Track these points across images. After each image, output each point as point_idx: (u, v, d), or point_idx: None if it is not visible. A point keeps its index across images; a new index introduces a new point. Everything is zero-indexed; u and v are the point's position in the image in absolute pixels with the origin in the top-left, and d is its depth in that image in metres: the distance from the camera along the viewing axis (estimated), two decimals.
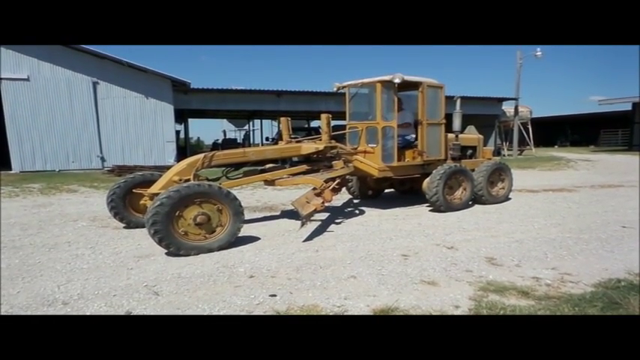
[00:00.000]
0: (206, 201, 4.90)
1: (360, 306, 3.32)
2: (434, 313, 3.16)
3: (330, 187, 6.23)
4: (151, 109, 18.09)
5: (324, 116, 6.98)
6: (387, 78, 6.90)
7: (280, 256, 4.72)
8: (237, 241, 5.13)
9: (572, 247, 5.00)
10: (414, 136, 7.68)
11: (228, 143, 28.05)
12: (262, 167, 6.77)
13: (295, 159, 6.93)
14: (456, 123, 8.09)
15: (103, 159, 17.24)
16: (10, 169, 16.39)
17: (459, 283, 3.85)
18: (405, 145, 7.55)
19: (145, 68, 17.67)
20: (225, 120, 37.37)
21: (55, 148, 16.83)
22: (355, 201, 8.86)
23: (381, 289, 3.70)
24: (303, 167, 6.66)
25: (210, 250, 4.85)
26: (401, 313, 3.17)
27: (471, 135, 9.20)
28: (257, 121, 33.94)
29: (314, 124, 28.89)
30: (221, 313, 3.22)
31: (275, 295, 3.57)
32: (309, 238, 5.54)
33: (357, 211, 7.57)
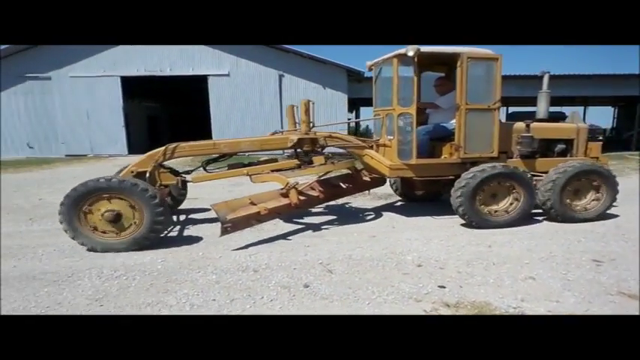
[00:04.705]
0: (115, 197, 4.51)
1: (540, 310, 3.05)
2: None
3: (301, 188, 5.39)
4: (328, 99, 19.27)
5: (303, 102, 5.75)
6: (402, 51, 5.36)
7: (450, 248, 4.60)
8: (400, 229, 5.15)
9: None
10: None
11: None
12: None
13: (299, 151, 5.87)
14: (541, 107, 6.29)
15: None
16: None
17: None
18: (444, 137, 5.90)
19: (324, 60, 18.83)
20: None
21: (248, 134, 19.27)
22: (400, 203, 7.40)
23: (566, 296, 3.31)
24: (292, 162, 5.72)
25: (126, 249, 4.55)
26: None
27: (559, 124, 6.65)
28: None
29: None
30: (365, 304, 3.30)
31: (444, 287, 3.50)
32: (479, 232, 5.25)
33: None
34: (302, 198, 5.41)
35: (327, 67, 18.92)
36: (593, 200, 5.76)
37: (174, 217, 6.22)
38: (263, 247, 4.73)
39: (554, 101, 23.75)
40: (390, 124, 5.78)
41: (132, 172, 5.00)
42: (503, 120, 6.43)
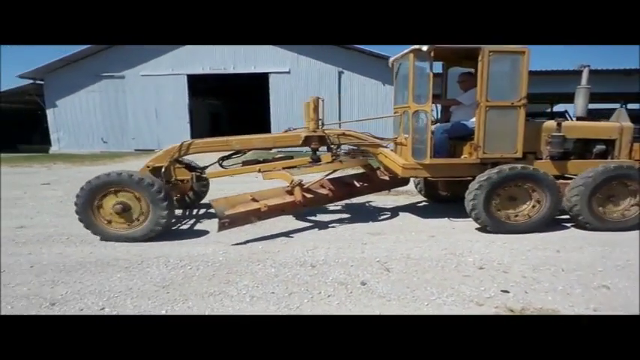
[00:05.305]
0: (122, 190, 4.73)
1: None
2: None
3: (309, 186, 5.33)
4: (387, 95, 19.10)
5: (312, 99, 5.67)
6: (417, 46, 5.14)
7: (514, 251, 4.40)
8: (460, 229, 4.99)
9: None
10: None
11: None
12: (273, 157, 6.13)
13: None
14: (579, 104, 5.71)
15: None
16: None
17: None
18: (465, 135, 5.57)
19: (384, 55, 18.64)
20: None
21: None
22: (424, 203, 7.15)
23: None
24: (304, 160, 5.71)
25: (135, 240, 4.75)
26: None
27: (597, 123, 5.89)
28: None
29: (558, 107, 25.53)
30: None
31: (508, 292, 3.36)
32: (546, 236, 4.98)
33: None
34: (309, 196, 5.39)
35: (386, 63, 18.70)
36: (626, 210, 5.21)
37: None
38: (320, 242, 4.76)
39: (629, 97, 22.03)
40: (407, 121, 5.56)
41: (148, 167, 5.25)
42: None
